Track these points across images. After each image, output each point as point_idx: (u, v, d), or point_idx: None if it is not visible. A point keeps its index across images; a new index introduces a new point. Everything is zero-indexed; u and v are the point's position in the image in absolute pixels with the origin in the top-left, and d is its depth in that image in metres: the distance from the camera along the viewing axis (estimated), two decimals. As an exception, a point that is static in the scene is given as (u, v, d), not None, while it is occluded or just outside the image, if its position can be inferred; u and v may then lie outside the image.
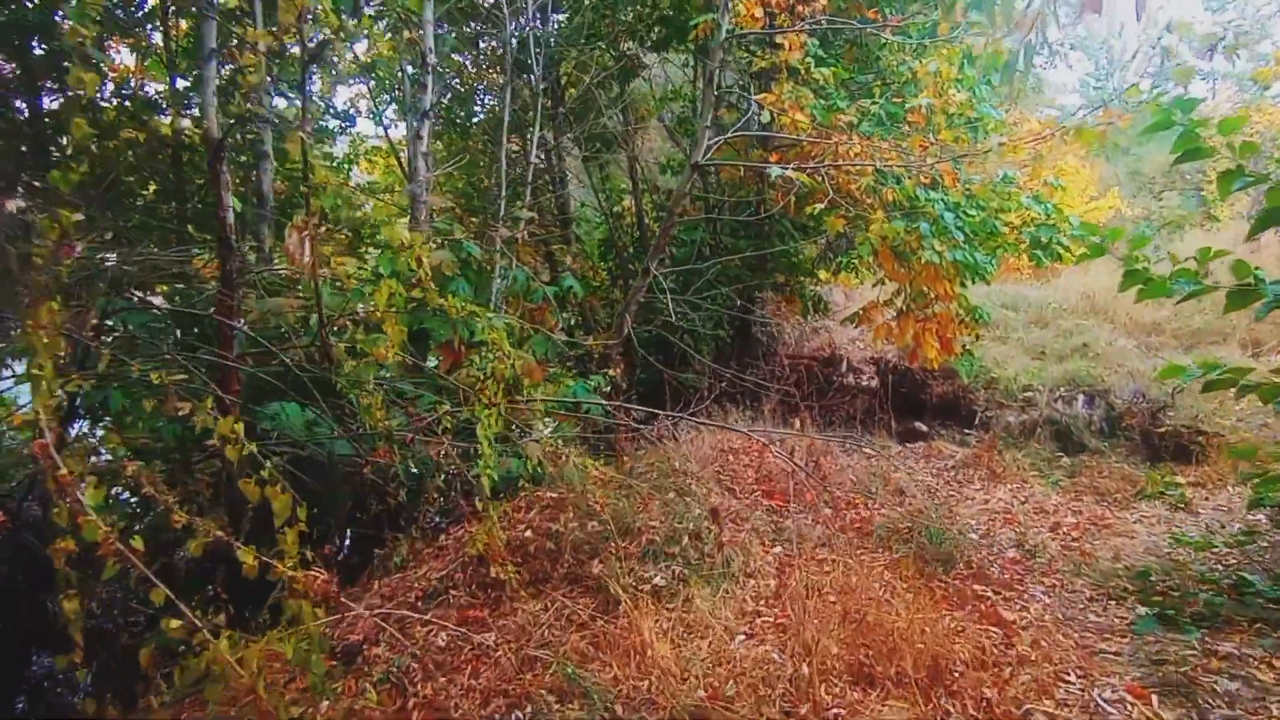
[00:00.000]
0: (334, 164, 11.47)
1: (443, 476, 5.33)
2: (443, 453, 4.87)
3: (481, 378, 4.72)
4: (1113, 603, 4.38)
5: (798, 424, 7.33)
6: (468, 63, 11.52)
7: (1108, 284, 13.81)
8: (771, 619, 3.88)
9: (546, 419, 6.55)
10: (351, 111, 10.73)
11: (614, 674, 3.50)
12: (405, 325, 4.57)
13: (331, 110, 10.36)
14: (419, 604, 4.45)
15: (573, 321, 11.51)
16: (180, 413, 6.14)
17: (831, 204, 7.57)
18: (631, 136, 11.18)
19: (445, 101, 11.17)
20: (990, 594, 4.34)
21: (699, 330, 10.17)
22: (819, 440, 6.76)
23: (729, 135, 6.82)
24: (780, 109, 7.27)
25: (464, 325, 6.35)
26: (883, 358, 9.49)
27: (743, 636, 3.69)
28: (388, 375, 5.24)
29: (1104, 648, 3.65)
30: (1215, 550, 4.91)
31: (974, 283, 8.17)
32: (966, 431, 8.16)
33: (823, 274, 12.49)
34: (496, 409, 4.43)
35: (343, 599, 4.09)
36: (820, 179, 6.38)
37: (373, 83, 11.34)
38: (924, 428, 8.24)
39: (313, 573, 3.14)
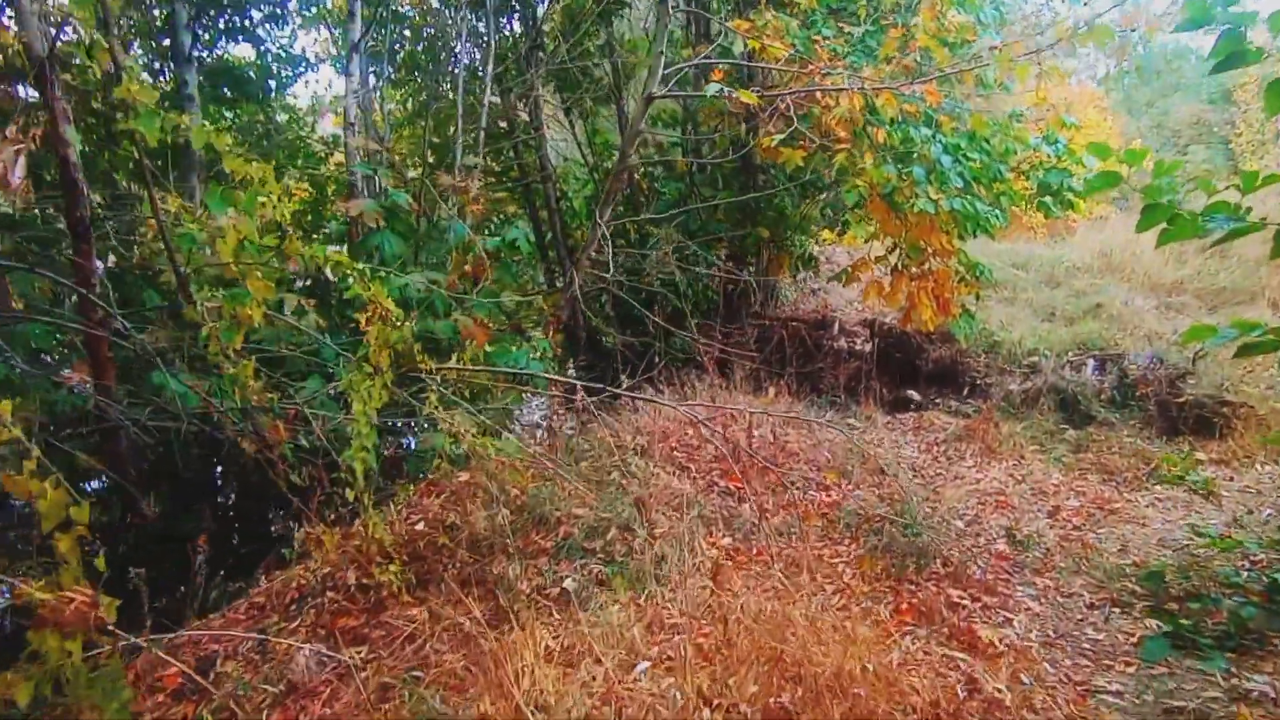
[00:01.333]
0: (297, 116, 10.66)
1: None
2: (329, 430, 4.14)
3: (376, 344, 3.93)
4: (1117, 610, 3.57)
5: (771, 393, 6.52)
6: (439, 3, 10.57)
7: (1125, 240, 12.79)
8: (690, 638, 3.12)
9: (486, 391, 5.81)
10: (310, 57, 9.83)
11: (482, 708, 2.77)
12: (274, 279, 3.80)
13: (284, 53, 9.49)
14: (291, 608, 3.74)
15: (544, 282, 10.73)
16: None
17: (821, 148, 6.67)
18: (620, 86, 10.24)
19: (412, 48, 10.27)
20: (967, 601, 3.54)
21: (680, 289, 9.34)
22: (782, 414, 5.94)
23: (689, 64, 5.91)
24: (756, 36, 6.33)
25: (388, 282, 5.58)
26: (877, 320, 8.61)
27: (647, 664, 2.93)
28: (259, 339, 4.48)
29: (1101, 684, 2.86)
30: (1242, 546, 4.07)
31: (976, 236, 7.27)
32: (963, 400, 7.31)
33: (827, 234, 11.55)
34: (378, 380, 3.65)
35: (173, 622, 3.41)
36: (787, 108, 5.46)
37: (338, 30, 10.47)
38: (917, 396, 7.41)
39: (72, 593, 2.42)
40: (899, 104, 6.13)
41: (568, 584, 3.58)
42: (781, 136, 5.45)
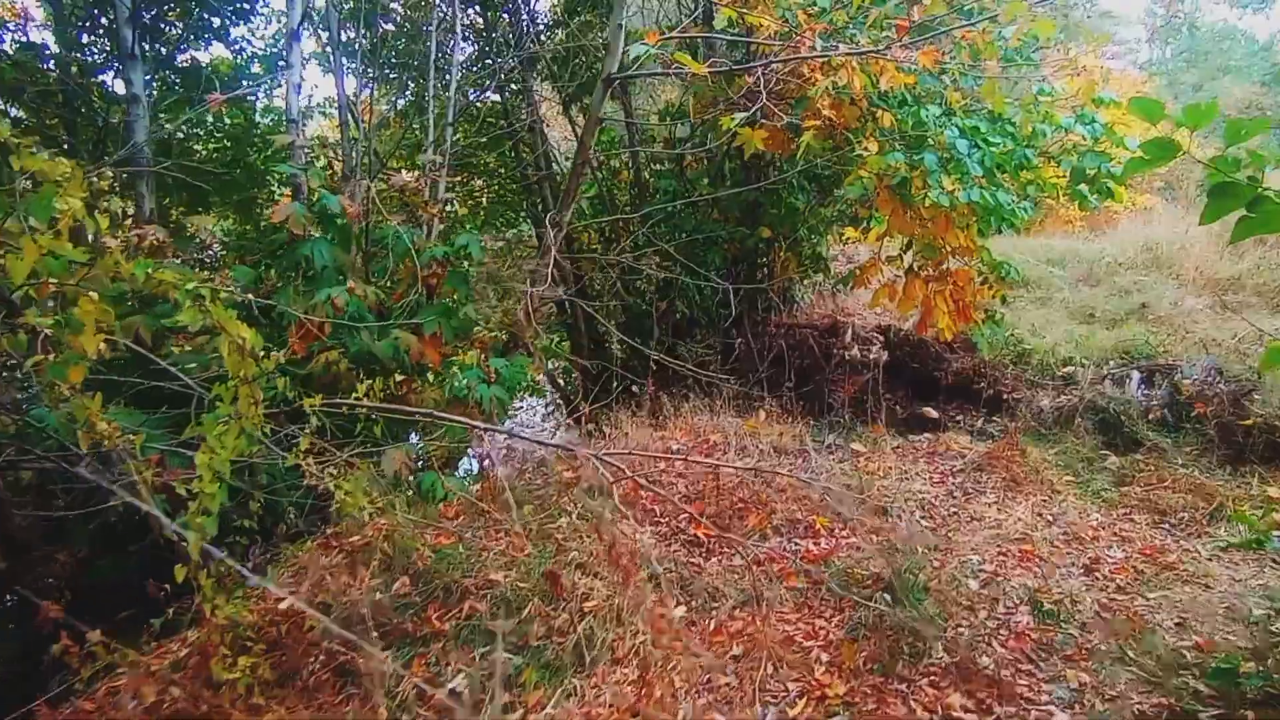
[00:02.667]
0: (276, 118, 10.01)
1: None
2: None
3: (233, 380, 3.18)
4: (1176, 722, 2.68)
5: (761, 415, 5.65)
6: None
7: (1173, 233, 11.61)
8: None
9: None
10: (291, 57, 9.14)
11: None
12: (110, 303, 3.08)
13: (256, 55, 8.86)
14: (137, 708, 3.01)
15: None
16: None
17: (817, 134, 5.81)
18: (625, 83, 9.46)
19: (395, 42, 9.59)
20: (973, 715, 2.67)
21: (673, 295, 8.52)
22: (769, 444, 5.08)
23: (663, 39, 5.08)
24: (733, 5, 5.47)
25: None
26: (892, 326, 7.67)
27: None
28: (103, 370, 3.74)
29: None
30: (1342, 625, 3.12)
31: (1000, 232, 6.33)
32: (988, 418, 6.35)
33: (850, 231, 10.61)
34: (233, 426, 2.90)
35: None
36: (764, 85, 4.62)
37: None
38: (934, 414, 6.47)
39: None
40: (900, 76, 5.25)
41: (458, 684, 2.79)
42: (744, 116, 4.57)
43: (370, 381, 3.83)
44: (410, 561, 3.31)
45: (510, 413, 14.81)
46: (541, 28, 9.63)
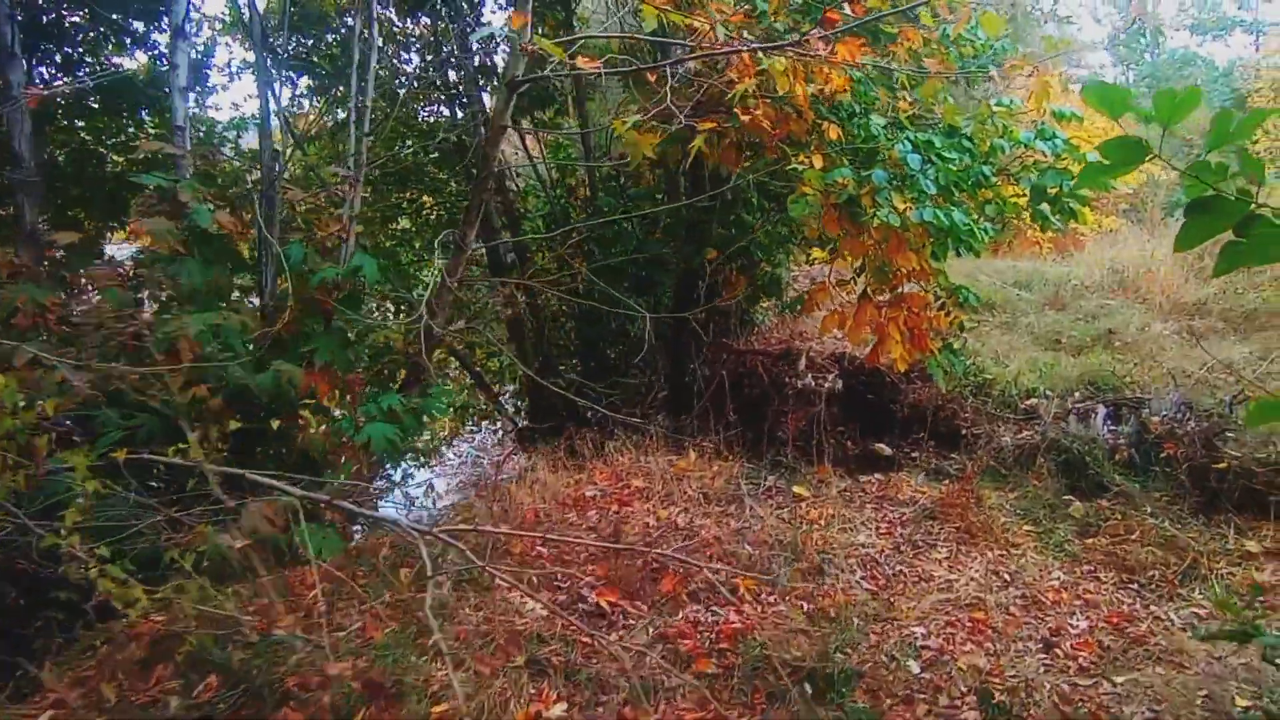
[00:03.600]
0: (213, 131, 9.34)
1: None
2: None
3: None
4: None
5: (692, 455, 5.07)
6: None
7: (1138, 255, 11.27)
8: None
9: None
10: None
11: None
12: None
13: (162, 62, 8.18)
14: None
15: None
16: None
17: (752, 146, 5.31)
18: (582, 92, 8.95)
19: (331, 49, 9.00)
20: None
21: (607, 323, 7.98)
22: (696, 488, 4.49)
23: (580, 38, 4.52)
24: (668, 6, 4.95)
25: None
26: (848, 354, 7.14)
27: None
28: None
29: None
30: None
31: (959, 254, 5.83)
32: (945, 456, 5.82)
33: (818, 253, 10.10)
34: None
35: None
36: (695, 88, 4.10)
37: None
38: (887, 451, 5.92)
39: None
40: (840, 80, 4.76)
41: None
42: (635, 119, 4.03)
43: (209, 426, 3.21)
44: (225, 654, 2.68)
45: (463, 436, 14.16)
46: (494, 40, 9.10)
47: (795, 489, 5.09)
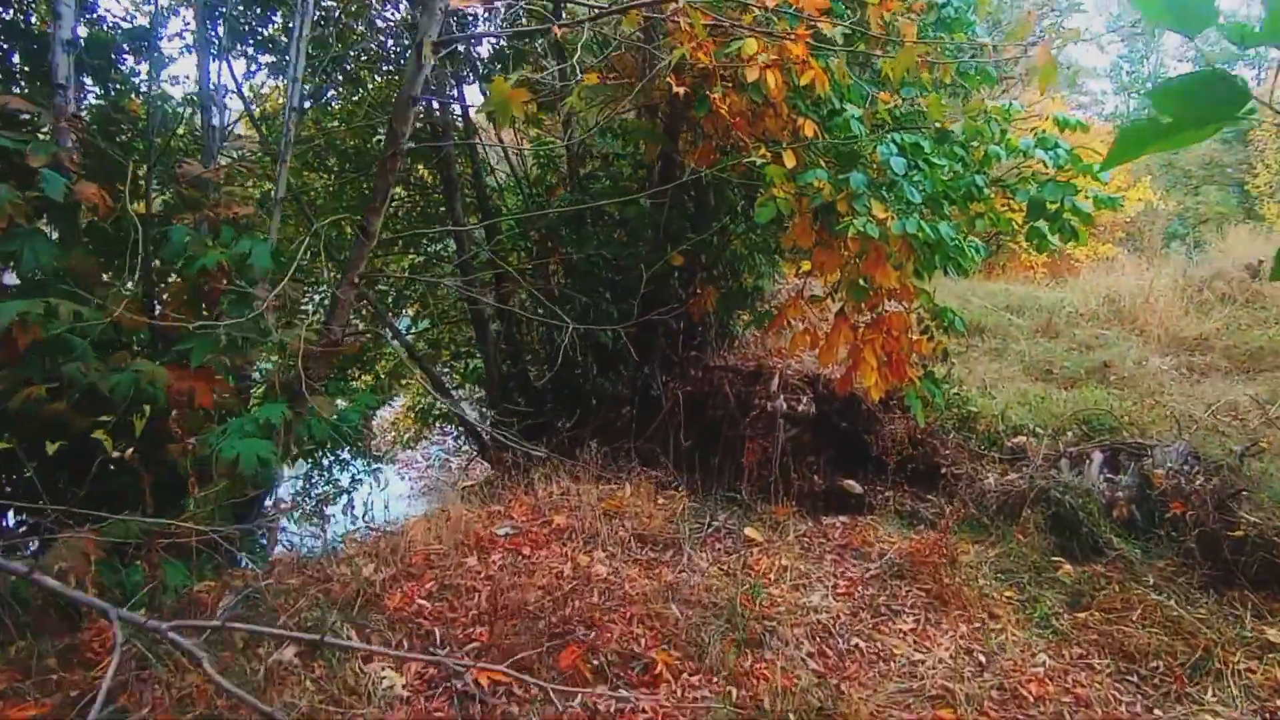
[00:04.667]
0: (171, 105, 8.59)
1: None
2: None
3: None
4: None
5: (627, 489, 4.37)
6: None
7: (1136, 285, 10.62)
8: None
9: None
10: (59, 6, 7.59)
11: None
12: None
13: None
14: None
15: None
16: None
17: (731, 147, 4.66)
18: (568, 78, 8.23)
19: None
20: None
21: (557, 330, 7.26)
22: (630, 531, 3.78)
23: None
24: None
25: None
26: (822, 375, 6.45)
27: None
28: None
29: None
30: None
31: (946, 272, 5.16)
32: (921, 497, 5.13)
33: (808, 265, 9.39)
34: None
35: None
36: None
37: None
38: (857, 489, 5.22)
39: None
40: (821, 73, 4.09)
41: None
42: (517, 76, 3.34)
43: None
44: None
45: (431, 439, 13.38)
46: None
47: (747, 531, 4.39)
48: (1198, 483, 4.20)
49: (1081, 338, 8.81)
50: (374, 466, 9.33)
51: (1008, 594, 3.84)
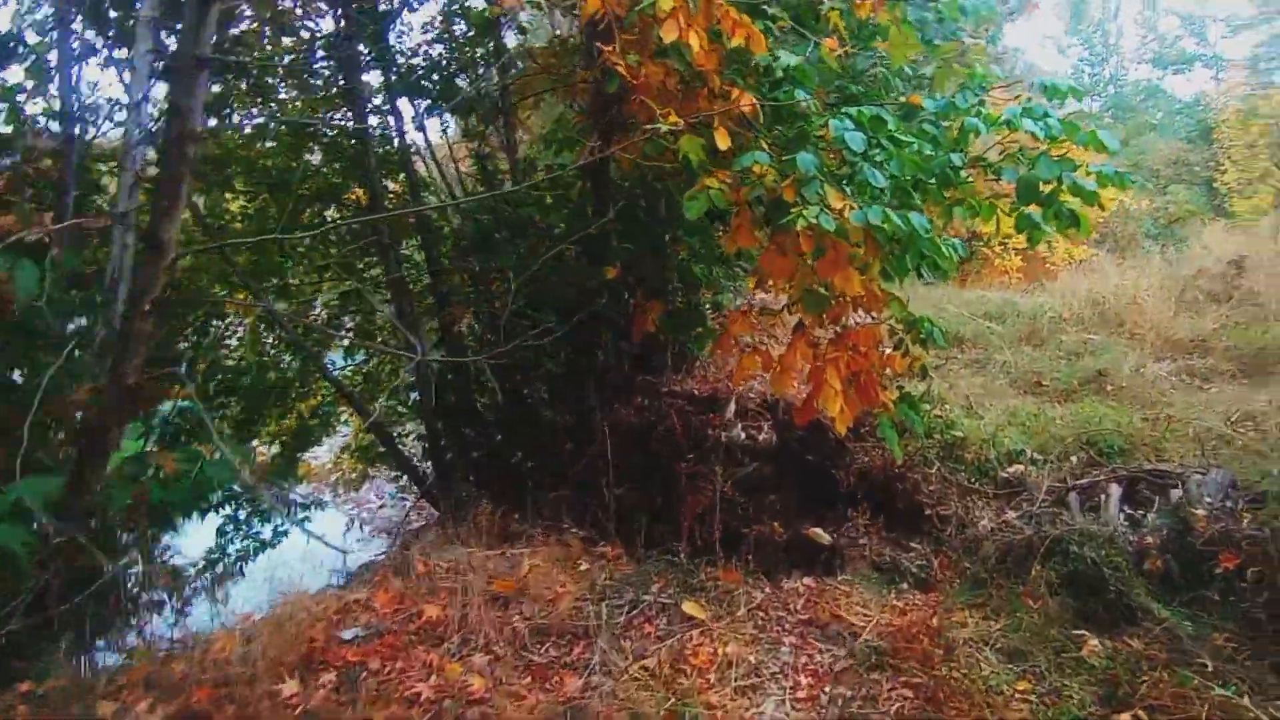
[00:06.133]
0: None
1: None
2: None
3: None
4: None
5: (525, 565, 3.37)
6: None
7: (1118, 286, 9.83)
8: None
9: None
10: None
11: None
12: None
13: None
14: None
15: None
16: None
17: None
18: (507, 89, 7.30)
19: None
20: None
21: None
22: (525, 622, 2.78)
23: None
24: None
25: None
26: (783, 400, 5.51)
27: None
28: None
29: None
30: None
31: (920, 275, 4.26)
32: (904, 545, 4.17)
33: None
34: None
35: None
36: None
37: None
38: (826, 538, 4.24)
39: None
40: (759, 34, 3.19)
41: None
42: None
43: None
44: None
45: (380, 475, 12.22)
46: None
47: (686, 606, 3.40)
48: (1247, 524, 3.27)
49: (1069, 344, 7.96)
50: (301, 516, 8.20)
51: (1021, 687, 2.87)
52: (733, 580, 3.64)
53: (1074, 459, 4.55)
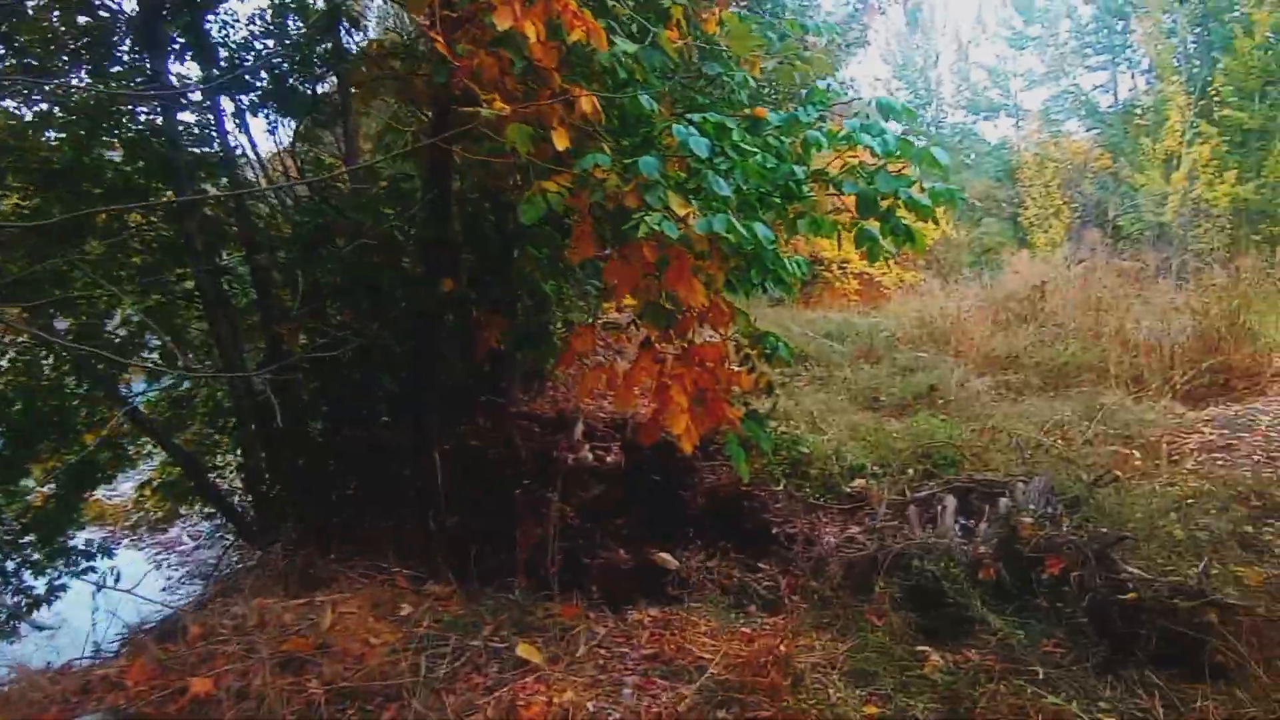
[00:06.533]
0: None
1: None
2: None
3: None
4: None
5: (328, 616, 2.91)
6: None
7: (944, 308, 10.57)
8: None
9: None
10: None
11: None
12: None
13: None
14: None
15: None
16: None
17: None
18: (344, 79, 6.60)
19: None
20: None
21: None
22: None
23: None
24: None
25: None
26: (631, 419, 5.31)
27: None
28: None
29: None
30: None
31: (764, 289, 4.18)
32: (751, 568, 4.03)
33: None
34: None
35: None
36: None
37: None
38: (673, 563, 4.02)
39: None
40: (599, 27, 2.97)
41: None
42: None
43: None
44: None
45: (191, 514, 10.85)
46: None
47: (521, 649, 3.05)
48: (1066, 528, 3.38)
49: (903, 361, 8.37)
50: (83, 566, 7.00)
51: (869, 711, 2.75)
52: (572, 616, 3.33)
53: (911, 471, 4.64)
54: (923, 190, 3.58)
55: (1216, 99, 17.54)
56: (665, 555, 3.99)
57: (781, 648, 2.94)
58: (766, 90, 5.74)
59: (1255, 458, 5.33)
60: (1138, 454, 5.29)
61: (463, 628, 3.14)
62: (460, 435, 5.53)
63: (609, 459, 5.56)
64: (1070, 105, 25.79)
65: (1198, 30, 19.75)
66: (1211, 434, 5.70)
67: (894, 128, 3.85)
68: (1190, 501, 4.29)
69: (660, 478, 4.79)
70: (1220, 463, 5.17)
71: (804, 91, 4.41)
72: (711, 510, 4.43)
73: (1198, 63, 19.45)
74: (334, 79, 6.57)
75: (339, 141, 6.97)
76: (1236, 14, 17.56)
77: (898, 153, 3.66)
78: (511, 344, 5.68)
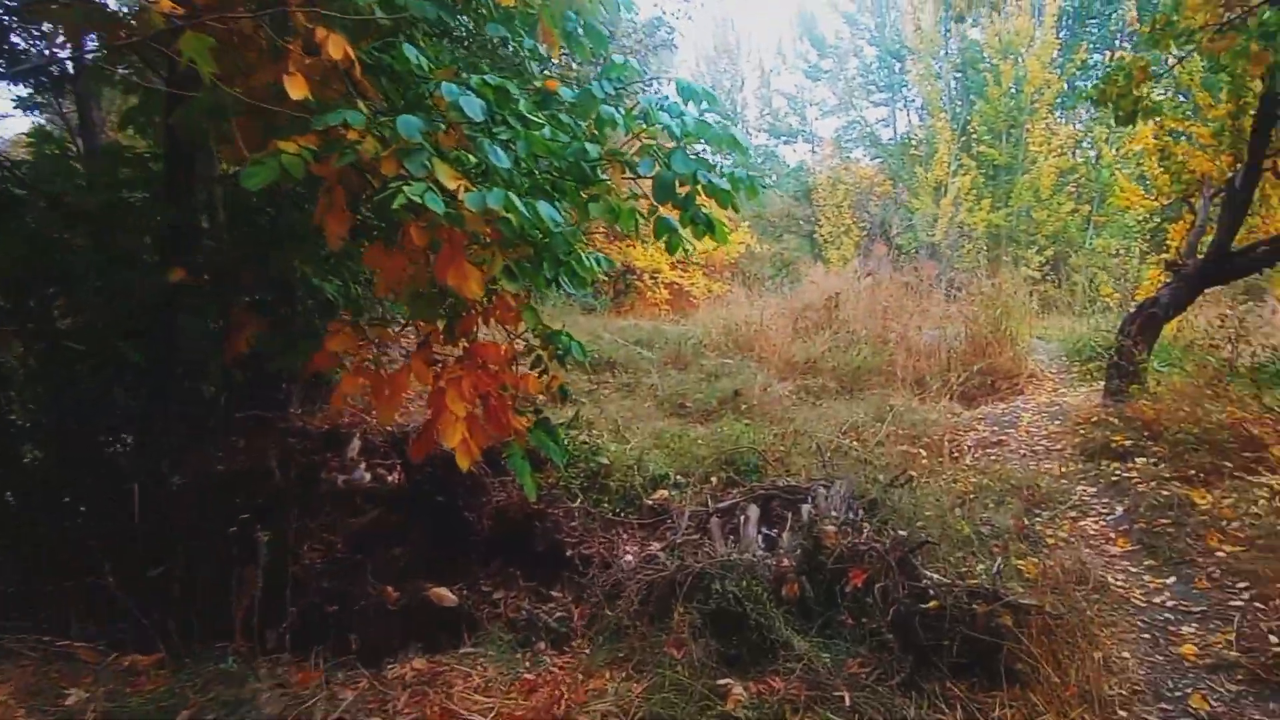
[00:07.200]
0: None
1: None
2: None
3: None
4: None
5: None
6: None
7: (748, 316, 10.80)
8: None
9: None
10: None
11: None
12: None
13: None
14: None
15: None
16: None
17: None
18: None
19: None
20: None
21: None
22: None
23: None
24: None
25: None
26: (411, 434, 4.64)
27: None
28: None
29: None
30: None
31: (558, 286, 3.69)
32: (543, 598, 3.54)
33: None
34: None
35: None
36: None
37: None
38: (451, 599, 3.41)
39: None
40: None
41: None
42: None
43: None
44: None
45: None
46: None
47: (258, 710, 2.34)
48: (867, 533, 3.22)
49: (709, 367, 8.32)
50: None
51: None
52: (309, 682, 2.64)
53: (714, 479, 4.39)
54: (722, 175, 3.30)
55: (974, 136, 19.81)
56: (442, 590, 3.39)
57: (566, 698, 2.45)
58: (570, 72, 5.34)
59: (1021, 452, 5.69)
60: (924, 453, 5.46)
61: (151, 715, 2.36)
62: (202, 459, 4.57)
63: (390, 478, 4.85)
64: (857, 135, 28.08)
65: (959, 75, 22.25)
66: (985, 431, 6.05)
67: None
68: (972, 496, 4.39)
69: (444, 498, 4.17)
70: (994, 457, 5.45)
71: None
72: (500, 533, 3.89)
73: (960, 104, 21.93)
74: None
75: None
76: (987, 64, 19.91)
77: (694, 133, 3.36)
78: (269, 347, 4.80)
